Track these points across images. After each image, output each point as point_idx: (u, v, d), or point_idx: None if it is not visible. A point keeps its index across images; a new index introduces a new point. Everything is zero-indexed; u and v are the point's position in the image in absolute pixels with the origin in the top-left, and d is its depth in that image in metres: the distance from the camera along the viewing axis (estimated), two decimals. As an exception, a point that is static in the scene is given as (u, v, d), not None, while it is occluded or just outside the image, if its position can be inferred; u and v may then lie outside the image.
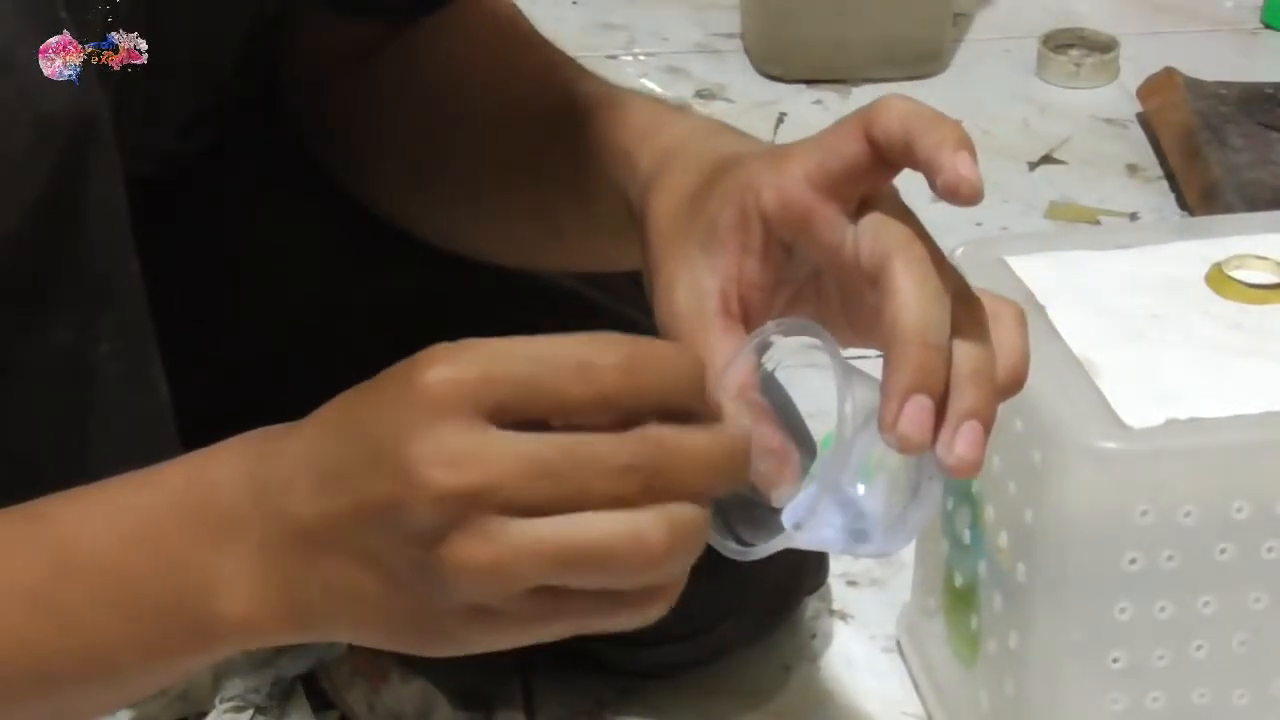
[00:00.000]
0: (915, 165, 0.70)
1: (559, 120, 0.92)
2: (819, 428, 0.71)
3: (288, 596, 0.67)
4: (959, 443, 0.68)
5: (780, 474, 0.71)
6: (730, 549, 0.68)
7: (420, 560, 0.63)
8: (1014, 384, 0.72)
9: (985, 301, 0.72)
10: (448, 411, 0.62)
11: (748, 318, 0.75)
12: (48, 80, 0.74)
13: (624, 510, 0.62)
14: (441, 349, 0.63)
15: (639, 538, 0.62)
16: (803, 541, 0.69)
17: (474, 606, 0.64)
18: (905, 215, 0.71)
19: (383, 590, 0.65)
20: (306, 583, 0.66)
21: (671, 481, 0.62)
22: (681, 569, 0.63)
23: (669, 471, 0.62)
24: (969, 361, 0.69)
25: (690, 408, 0.63)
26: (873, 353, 0.71)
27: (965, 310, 0.70)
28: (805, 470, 0.71)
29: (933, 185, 0.69)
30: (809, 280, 0.76)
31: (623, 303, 1.04)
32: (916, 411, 0.67)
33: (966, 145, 0.69)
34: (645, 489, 0.62)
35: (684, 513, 0.62)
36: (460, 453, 0.61)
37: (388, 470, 0.62)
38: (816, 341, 0.69)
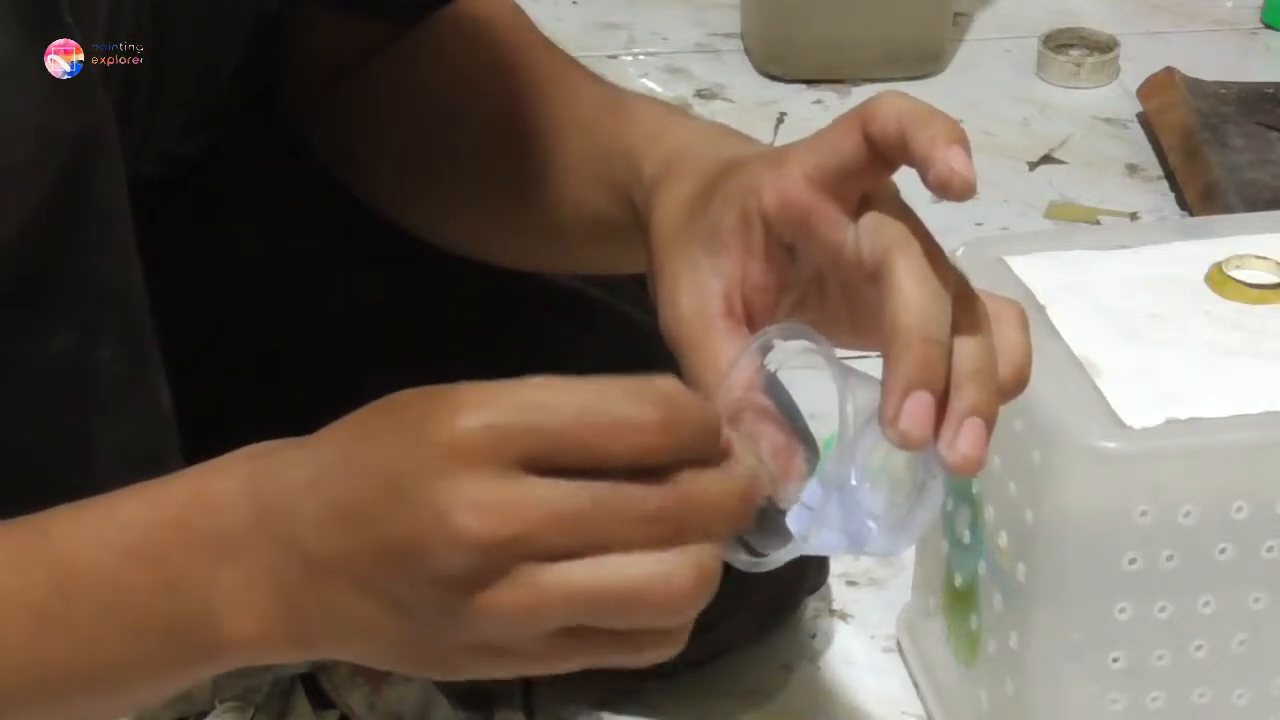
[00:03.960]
0: (910, 161, 0.70)
1: (562, 123, 0.91)
2: (821, 428, 0.71)
3: (292, 620, 0.67)
4: (961, 440, 0.68)
5: (786, 474, 0.71)
6: (741, 560, 0.68)
7: (442, 601, 0.63)
8: (1017, 384, 0.72)
9: (986, 302, 0.71)
10: (480, 460, 0.62)
11: (752, 320, 0.75)
12: (50, 87, 0.74)
13: (652, 554, 0.62)
14: (471, 391, 0.63)
15: (668, 582, 0.62)
16: (811, 548, 0.69)
17: (492, 644, 0.64)
18: (905, 213, 0.71)
19: (392, 623, 0.65)
20: (311, 609, 0.66)
21: (696, 527, 0.63)
22: (700, 608, 0.64)
23: (694, 518, 0.63)
24: (970, 359, 0.69)
25: (709, 454, 0.64)
26: (873, 354, 0.71)
27: (966, 308, 0.70)
28: (810, 470, 0.71)
29: (925, 180, 0.69)
30: (813, 283, 0.76)
31: (625, 302, 1.04)
32: (917, 407, 0.67)
33: (960, 140, 0.69)
34: (671, 536, 0.63)
35: (705, 555, 0.63)
36: (494, 502, 0.61)
37: (414, 513, 0.62)
38: (812, 345, 0.69)
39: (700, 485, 0.63)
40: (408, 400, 0.65)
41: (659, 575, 0.62)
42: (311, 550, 0.65)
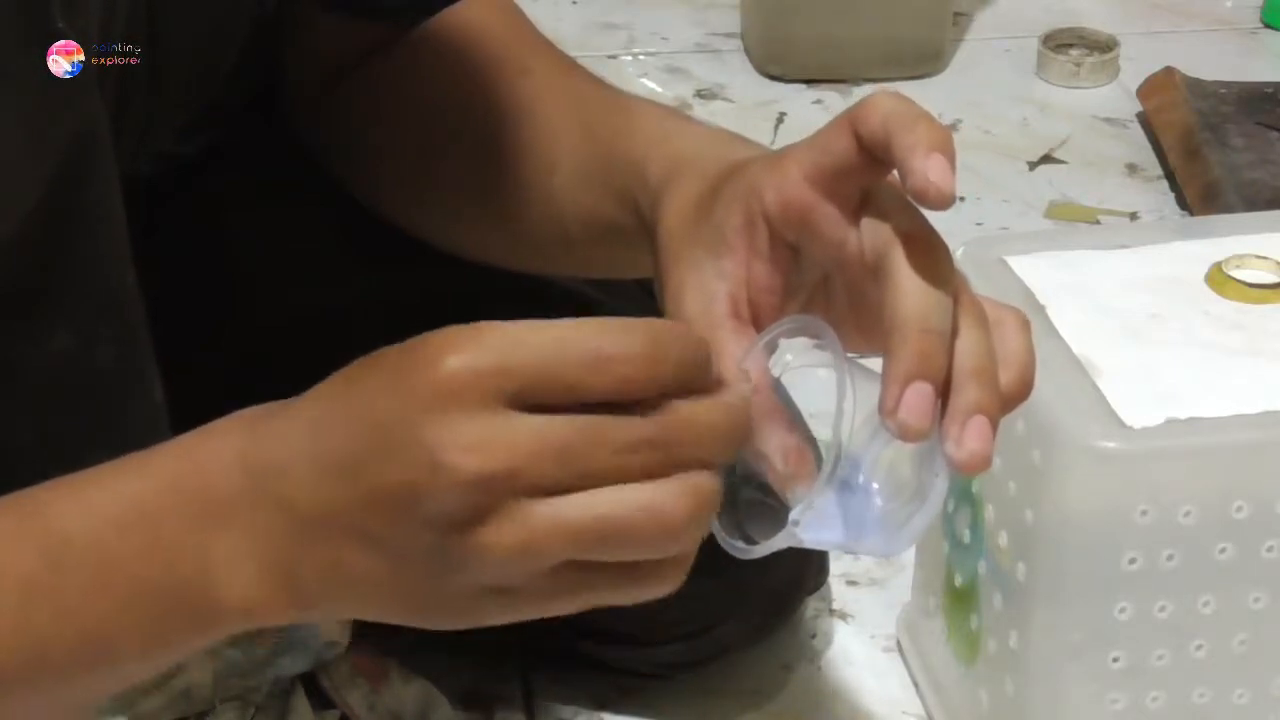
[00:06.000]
0: (893, 165, 0.70)
1: (564, 127, 0.91)
2: (822, 429, 0.71)
3: (287, 580, 0.67)
4: (969, 437, 0.68)
5: (798, 474, 0.71)
6: (735, 546, 0.68)
7: (438, 544, 0.63)
8: (1022, 391, 0.71)
9: (988, 308, 0.71)
10: (465, 399, 0.62)
11: (758, 322, 0.75)
12: (45, 88, 0.74)
13: (644, 483, 0.63)
14: (453, 334, 0.63)
15: (661, 509, 0.62)
16: (807, 540, 0.69)
17: (492, 586, 0.64)
18: (907, 209, 0.71)
19: (389, 572, 0.65)
20: (307, 569, 0.66)
21: (686, 454, 0.63)
22: (699, 537, 0.64)
23: (683, 445, 0.63)
24: (971, 358, 0.69)
25: (699, 384, 0.64)
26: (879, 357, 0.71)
27: (965, 309, 0.70)
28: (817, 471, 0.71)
29: (905, 188, 0.69)
30: (819, 286, 0.76)
31: (626, 303, 1.04)
32: (916, 398, 0.67)
33: (942, 147, 0.68)
34: (662, 463, 0.63)
35: (699, 480, 0.63)
36: (482, 438, 0.62)
37: (405, 457, 0.62)
38: (819, 340, 0.69)
39: (688, 411, 0.63)
40: (391, 352, 0.65)
41: (652, 503, 0.62)
42: (304, 510, 0.65)
